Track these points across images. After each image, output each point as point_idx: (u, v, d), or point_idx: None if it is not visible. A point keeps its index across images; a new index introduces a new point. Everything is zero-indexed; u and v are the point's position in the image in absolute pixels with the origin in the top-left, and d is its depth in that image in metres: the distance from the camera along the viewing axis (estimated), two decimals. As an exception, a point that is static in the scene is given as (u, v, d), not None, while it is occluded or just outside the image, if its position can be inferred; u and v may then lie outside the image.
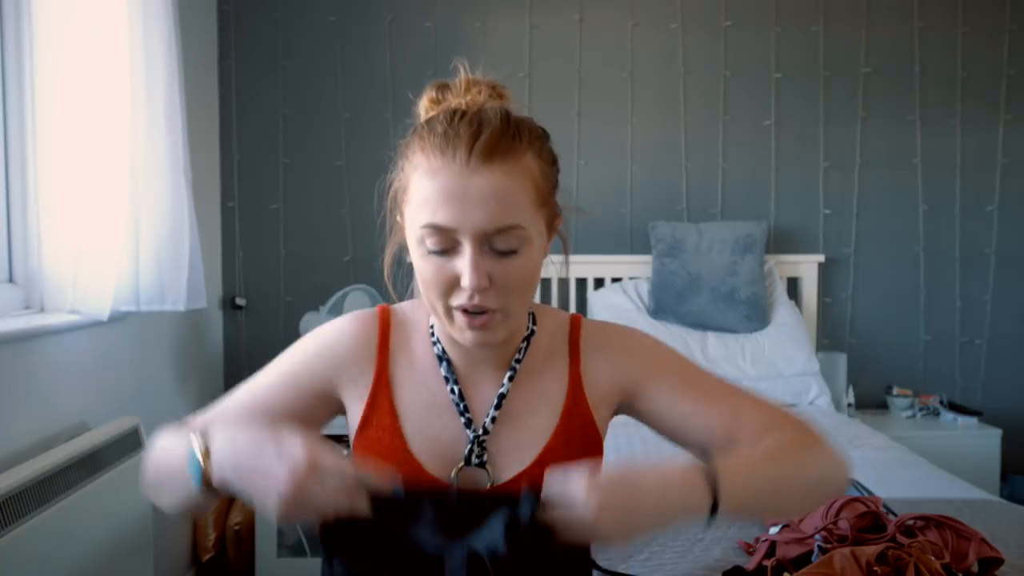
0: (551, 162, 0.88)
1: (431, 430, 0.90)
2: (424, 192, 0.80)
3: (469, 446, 0.90)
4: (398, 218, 0.90)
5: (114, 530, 1.72)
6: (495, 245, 0.80)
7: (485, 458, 0.90)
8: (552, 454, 0.89)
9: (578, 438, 0.91)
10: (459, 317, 0.83)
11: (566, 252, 1.00)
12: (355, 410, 0.92)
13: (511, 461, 0.90)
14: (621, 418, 0.99)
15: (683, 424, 0.91)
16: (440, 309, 0.84)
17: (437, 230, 0.79)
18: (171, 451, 0.84)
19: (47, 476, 1.51)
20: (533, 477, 0.87)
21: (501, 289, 0.81)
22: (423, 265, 0.82)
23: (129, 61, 1.94)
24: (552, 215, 0.88)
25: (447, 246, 0.80)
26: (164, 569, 2.39)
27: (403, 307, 0.98)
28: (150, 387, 2.32)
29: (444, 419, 0.91)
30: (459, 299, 0.81)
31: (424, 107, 0.90)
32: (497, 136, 0.79)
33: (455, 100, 0.88)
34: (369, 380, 0.92)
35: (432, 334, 0.94)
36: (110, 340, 2.05)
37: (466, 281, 0.79)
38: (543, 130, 0.88)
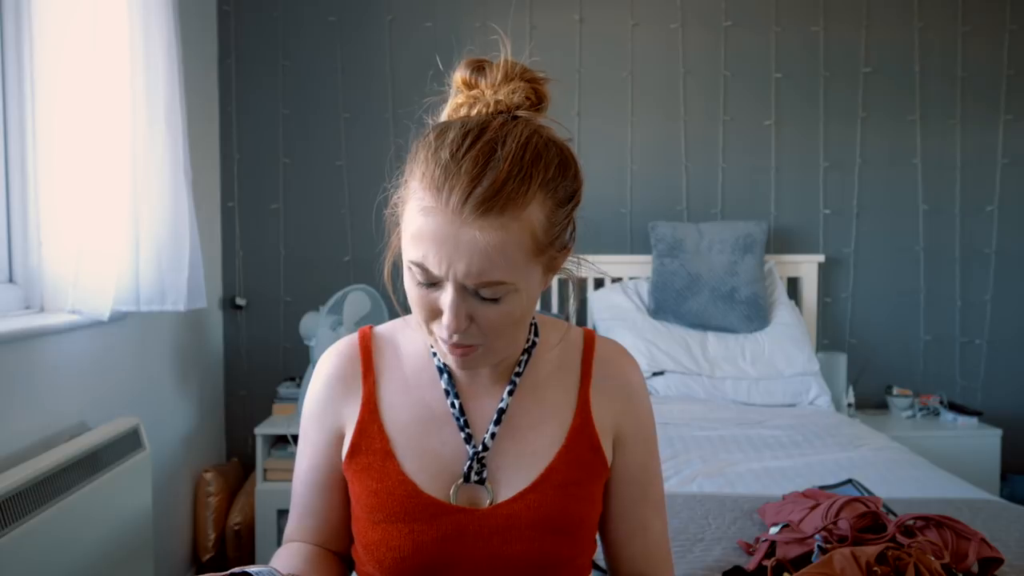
0: (564, 201, 0.80)
1: (429, 447, 0.88)
2: (416, 226, 0.75)
3: (468, 462, 0.86)
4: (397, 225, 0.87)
5: (114, 530, 1.72)
6: (478, 292, 0.76)
7: (485, 475, 0.87)
8: (556, 473, 0.87)
9: (583, 460, 0.89)
10: (441, 343, 0.81)
11: (575, 292, 0.98)
12: (347, 438, 0.90)
13: (512, 478, 0.87)
14: None
15: (613, 501, 0.94)
16: (424, 331, 0.82)
17: (422, 269, 0.76)
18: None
19: (47, 476, 1.51)
20: (534, 496, 0.86)
21: (483, 329, 0.79)
22: (411, 288, 0.80)
23: (129, 61, 1.94)
24: (553, 257, 0.82)
25: (432, 281, 0.77)
26: (164, 569, 2.39)
27: (389, 326, 0.96)
28: (150, 387, 2.32)
29: (443, 435, 0.88)
30: (440, 330, 0.79)
31: (456, 84, 0.84)
32: (499, 185, 0.72)
33: (487, 91, 0.82)
34: (357, 406, 0.90)
35: (432, 345, 0.90)
36: (110, 340, 2.05)
37: (445, 321, 0.77)
38: (565, 160, 0.80)
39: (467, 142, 0.75)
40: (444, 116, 0.85)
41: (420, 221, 0.75)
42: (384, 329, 0.96)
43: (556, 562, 0.86)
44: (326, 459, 0.92)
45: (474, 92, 0.82)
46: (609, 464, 0.92)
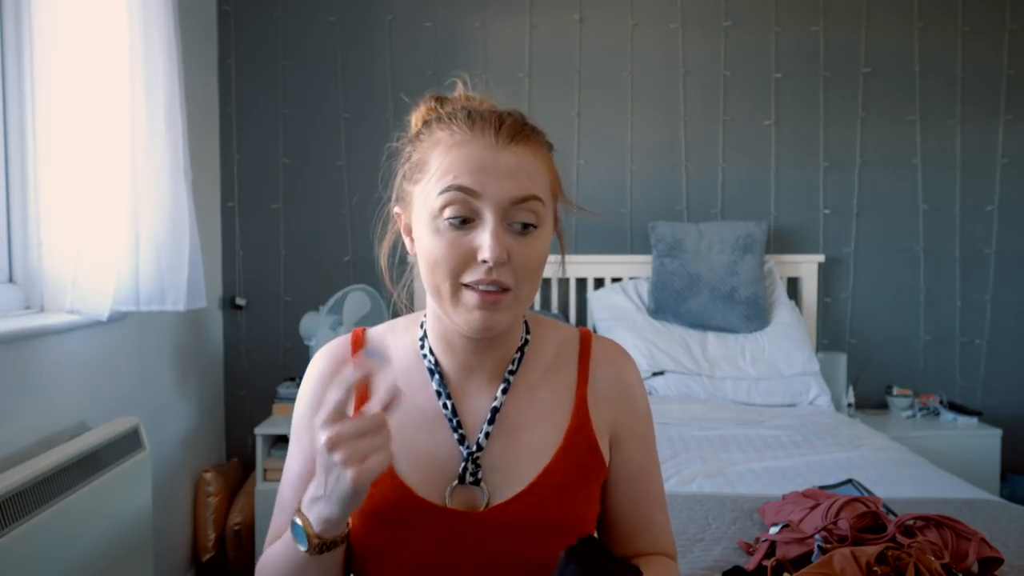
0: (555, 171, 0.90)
1: (423, 449, 0.87)
2: (448, 161, 0.80)
3: (463, 463, 0.86)
4: (396, 210, 0.89)
5: (114, 530, 1.72)
6: (515, 218, 0.79)
7: (480, 476, 0.86)
8: (553, 475, 0.86)
9: (581, 462, 0.88)
10: (469, 296, 0.80)
11: (563, 250, 0.97)
12: None
13: (508, 479, 0.86)
14: None
15: (614, 501, 0.94)
16: (447, 290, 0.80)
17: (461, 194, 0.78)
18: (275, 548, 0.86)
19: (47, 476, 1.51)
20: (532, 498, 0.85)
21: (516, 267, 0.80)
22: (435, 241, 0.80)
23: (129, 61, 1.94)
24: (555, 216, 0.88)
25: (466, 215, 0.78)
26: (164, 569, 2.39)
27: (379, 329, 0.96)
28: (150, 387, 2.32)
29: (437, 436, 0.87)
30: (474, 275, 0.79)
31: (422, 116, 0.89)
32: (520, 124, 0.82)
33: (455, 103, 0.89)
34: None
35: (423, 347, 0.91)
36: (110, 340, 2.05)
37: (486, 253, 0.77)
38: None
39: (474, 106, 0.85)
40: (421, 118, 0.90)
41: (454, 154, 0.80)
42: (375, 332, 0.96)
43: (554, 563, 0.86)
44: None
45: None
46: (607, 464, 0.92)
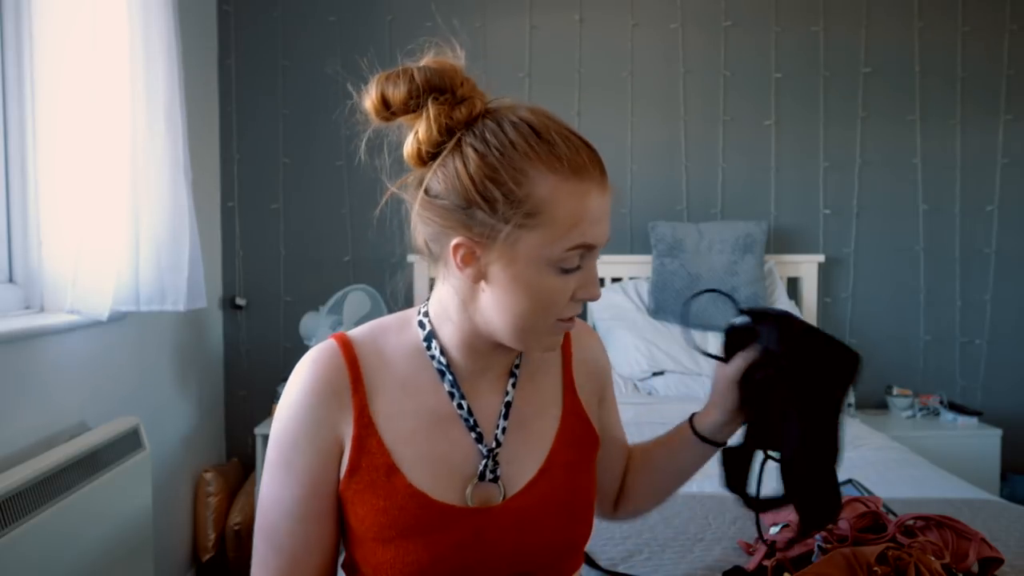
0: None
1: (437, 452, 0.84)
2: (575, 213, 0.77)
3: (484, 461, 0.85)
4: (457, 240, 0.78)
5: (114, 530, 1.72)
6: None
7: (499, 472, 0.85)
8: (558, 456, 0.89)
9: (578, 438, 0.92)
10: (560, 327, 0.83)
11: None
12: (345, 456, 0.83)
13: (520, 471, 0.87)
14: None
15: (609, 450, 1.04)
16: (545, 327, 0.82)
17: (588, 249, 0.79)
18: None
19: (47, 476, 1.51)
20: (543, 482, 0.87)
21: None
22: (545, 284, 0.79)
23: (129, 61, 1.94)
24: None
25: (581, 263, 0.81)
26: (164, 569, 2.39)
27: (366, 332, 0.89)
28: (150, 387, 2.32)
29: (451, 437, 0.85)
30: (571, 311, 0.83)
31: (436, 114, 0.81)
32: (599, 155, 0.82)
33: (471, 93, 0.82)
34: (350, 421, 0.83)
35: (429, 348, 0.86)
36: (110, 340, 2.05)
37: (593, 293, 0.82)
38: None
39: (550, 124, 0.79)
40: (434, 122, 0.82)
41: (578, 206, 0.78)
42: (362, 336, 0.88)
43: (570, 545, 0.89)
44: (324, 480, 0.84)
45: (459, 93, 0.81)
46: (598, 434, 0.97)
